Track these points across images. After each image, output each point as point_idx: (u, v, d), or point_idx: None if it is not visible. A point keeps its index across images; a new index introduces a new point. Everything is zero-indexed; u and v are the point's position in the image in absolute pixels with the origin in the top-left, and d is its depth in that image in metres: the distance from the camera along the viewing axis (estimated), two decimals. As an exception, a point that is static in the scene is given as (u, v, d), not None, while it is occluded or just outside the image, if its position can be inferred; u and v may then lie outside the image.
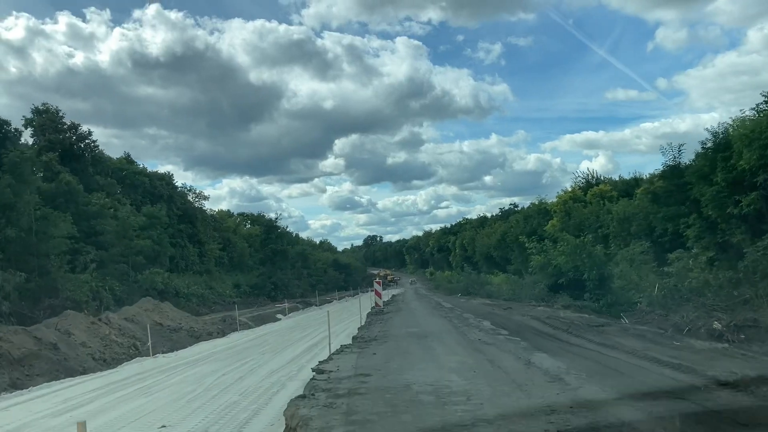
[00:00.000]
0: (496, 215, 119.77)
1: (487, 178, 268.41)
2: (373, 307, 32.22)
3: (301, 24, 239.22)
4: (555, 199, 66.94)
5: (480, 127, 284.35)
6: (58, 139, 43.62)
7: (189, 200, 65.90)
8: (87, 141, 46.27)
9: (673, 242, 36.48)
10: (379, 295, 33.85)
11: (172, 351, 19.67)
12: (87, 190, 43.41)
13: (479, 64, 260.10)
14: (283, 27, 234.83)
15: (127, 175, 51.63)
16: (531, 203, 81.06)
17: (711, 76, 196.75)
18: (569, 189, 63.06)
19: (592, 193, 61.57)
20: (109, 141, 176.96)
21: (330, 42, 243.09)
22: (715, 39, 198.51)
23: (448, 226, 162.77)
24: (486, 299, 38.46)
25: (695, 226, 32.36)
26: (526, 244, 41.88)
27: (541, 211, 68.09)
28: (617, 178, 70.80)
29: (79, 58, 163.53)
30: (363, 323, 22.85)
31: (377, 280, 33.12)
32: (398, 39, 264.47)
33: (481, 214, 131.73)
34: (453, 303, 38.12)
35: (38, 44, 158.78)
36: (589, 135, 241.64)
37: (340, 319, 28.32)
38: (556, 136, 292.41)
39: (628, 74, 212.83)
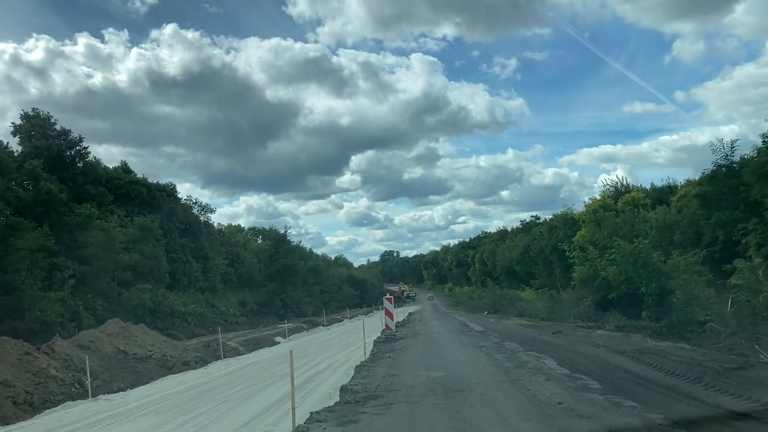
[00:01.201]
0: (516, 228, 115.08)
1: (504, 193, 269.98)
2: (383, 331, 26.46)
3: (316, 42, 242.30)
4: (582, 209, 62.64)
5: (496, 142, 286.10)
6: (45, 146, 40.28)
7: (193, 213, 62.34)
8: (77, 148, 42.87)
9: (726, 251, 32.19)
10: (390, 315, 26.73)
11: (130, 388, 15.76)
12: (76, 200, 39.98)
13: (495, 79, 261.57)
14: (298, 45, 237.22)
15: (122, 185, 48.15)
16: (554, 215, 76.74)
17: (729, 88, 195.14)
18: (598, 198, 58.46)
19: (624, 201, 57.24)
20: (127, 160, 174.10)
21: (345, 59, 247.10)
22: (733, 51, 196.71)
23: (467, 240, 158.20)
24: (519, 319, 33.84)
25: (756, 233, 28.01)
26: (567, 253, 36.74)
27: (568, 221, 63.72)
28: (648, 186, 66.57)
29: (97, 79, 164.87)
30: (366, 356, 17.10)
31: (388, 296, 25.87)
32: (413, 55, 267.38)
33: (501, 227, 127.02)
34: (482, 324, 32.66)
35: (58, 65, 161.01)
36: (606, 149, 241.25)
37: (345, 344, 24.14)
38: (573, 150, 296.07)
39: (645, 87, 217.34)
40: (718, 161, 31.91)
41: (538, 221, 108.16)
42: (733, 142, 31.19)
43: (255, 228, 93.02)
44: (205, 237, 63.40)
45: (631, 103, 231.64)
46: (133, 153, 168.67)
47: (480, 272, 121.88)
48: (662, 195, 60.00)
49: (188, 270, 55.20)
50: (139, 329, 21.38)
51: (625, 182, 64.49)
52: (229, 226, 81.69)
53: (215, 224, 76.27)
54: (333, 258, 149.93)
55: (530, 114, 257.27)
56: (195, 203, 68.04)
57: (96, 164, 46.48)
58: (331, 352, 21.36)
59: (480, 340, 20.40)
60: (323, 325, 46.58)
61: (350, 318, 59.96)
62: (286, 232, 73.76)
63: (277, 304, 64.21)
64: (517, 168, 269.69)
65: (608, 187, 61.96)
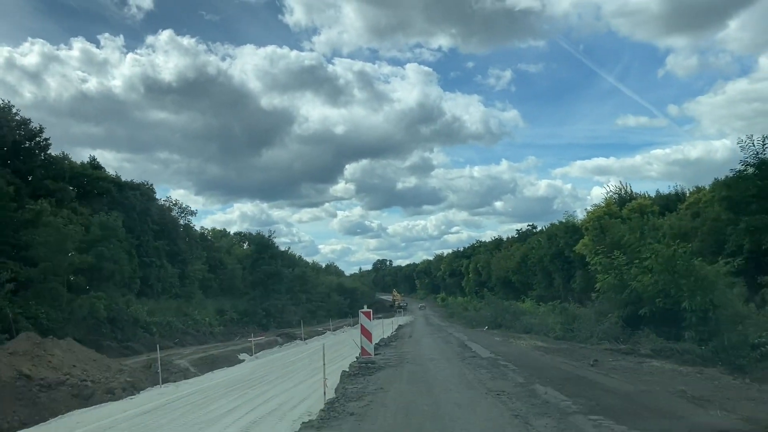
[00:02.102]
0: (512, 237, 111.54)
1: (498, 204, 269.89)
2: (357, 357, 18.82)
3: (312, 50, 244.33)
4: (584, 216, 59.13)
5: (490, 153, 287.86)
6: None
7: (171, 215, 58.41)
8: (37, 140, 38.97)
9: (752, 260, 28.64)
10: (367, 335, 18.59)
11: (19, 427, 12.01)
12: (32, 195, 36.12)
13: (489, 90, 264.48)
14: (294, 53, 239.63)
15: (89, 182, 44.25)
16: (552, 224, 73.14)
17: (722, 103, 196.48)
18: (602, 204, 54.88)
19: (630, 208, 53.73)
20: (121, 165, 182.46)
21: (341, 68, 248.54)
22: (726, 66, 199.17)
23: (460, 249, 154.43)
24: (529, 337, 28.82)
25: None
26: (588, 258, 31.98)
27: (569, 229, 60.25)
28: (652, 194, 62.98)
29: (92, 84, 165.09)
30: (330, 396, 11.78)
31: (365, 309, 18.73)
32: (409, 65, 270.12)
33: (496, 236, 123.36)
34: (487, 345, 25.43)
35: (52, 69, 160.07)
36: (599, 161, 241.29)
37: (314, 369, 18.66)
38: (566, 162, 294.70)
39: (638, 101, 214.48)
40: (747, 160, 28.24)
41: (534, 230, 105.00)
42: (765, 137, 27.48)
43: (242, 233, 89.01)
44: (184, 240, 59.49)
45: (625, 117, 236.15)
46: (127, 158, 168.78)
47: (474, 282, 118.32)
48: (669, 203, 56.56)
49: (163, 275, 51.27)
50: (62, 345, 17.49)
51: (628, 189, 60.91)
52: (214, 230, 77.79)
53: (197, 228, 72.46)
54: (324, 266, 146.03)
55: (524, 126, 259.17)
56: (175, 205, 64.17)
57: (60, 158, 42.62)
58: (293, 381, 17.36)
59: (493, 377, 13.88)
60: (301, 339, 42.47)
61: (333, 330, 55.50)
62: (270, 236, 69.75)
63: (259, 314, 60.24)
64: (511, 179, 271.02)
65: (611, 194, 58.35)
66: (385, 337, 33.37)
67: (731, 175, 34.29)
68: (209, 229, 78.09)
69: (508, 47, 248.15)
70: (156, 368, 18.12)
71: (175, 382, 18.16)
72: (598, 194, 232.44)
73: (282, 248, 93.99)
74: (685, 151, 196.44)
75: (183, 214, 65.15)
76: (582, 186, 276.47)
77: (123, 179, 51.63)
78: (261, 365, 23.92)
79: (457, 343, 27.91)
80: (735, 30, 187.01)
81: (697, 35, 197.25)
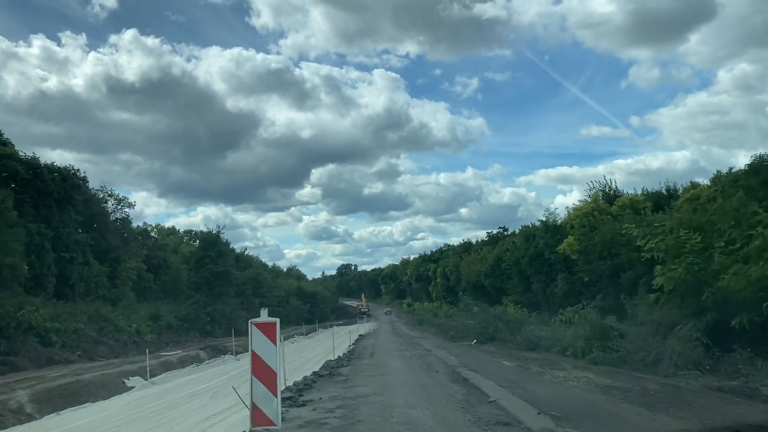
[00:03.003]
0: (482, 241, 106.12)
1: (463, 211, 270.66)
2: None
3: (278, 54, 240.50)
4: (566, 215, 53.69)
5: (456, 160, 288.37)
6: None
7: (101, 206, 51.06)
8: None
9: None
10: (268, 376, 6.92)
11: None
12: None
13: (456, 97, 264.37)
14: (260, 56, 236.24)
15: (-12, 160, 36.93)
16: (527, 225, 67.59)
17: (682, 115, 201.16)
18: (588, 200, 49.42)
19: (620, 204, 48.45)
20: (81, 166, 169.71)
21: (308, 72, 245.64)
22: (687, 79, 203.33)
23: (427, 253, 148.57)
24: (541, 356, 21.89)
25: None
26: (642, 243, 23.28)
27: (549, 229, 54.75)
28: (639, 192, 57.78)
29: (52, 82, 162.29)
30: None
31: (263, 320, 9.39)
32: (376, 71, 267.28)
33: (465, 240, 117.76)
34: (505, 380, 15.60)
35: (11, 67, 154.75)
36: (563, 170, 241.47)
37: (209, 414, 12.98)
38: (531, 170, 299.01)
39: (601, 112, 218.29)
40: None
41: (506, 233, 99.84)
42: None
43: (192, 231, 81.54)
44: (117, 235, 52.20)
45: (588, 127, 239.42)
46: (88, 159, 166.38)
47: (442, 287, 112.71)
48: (660, 200, 51.52)
49: (86, 274, 44.02)
50: None
51: (614, 185, 55.50)
52: (158, 226, 70.28)
53: (141, 224, 65.18)
54: (285, 269, 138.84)
55: (490, 134, 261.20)
56: (110, 195, 56.76)
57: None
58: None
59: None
60: (232, 354, 35.27)
61: (283, 339, 49.07)
62: (218, 232, 62.65)
63: (203, 319, 53.24)
64: (476, 186, 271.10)
65: (596, 190, 52.89)
66: (334, 358, 25.26)
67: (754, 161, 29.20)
68: (153, 225, 70.56)
69: (475, 55, 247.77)
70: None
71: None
72: (561, 202, 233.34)
73: (238, 248, 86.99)
74: (646, 161, 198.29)
75: (119, 207, 57.89)
76: (546, 194, 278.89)
77: (42, 162, 44.23)
78: (147, 400, 17.06)
79: (445, 371, 18.56)
80: (695, 44, 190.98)
81: (659, 48, 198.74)
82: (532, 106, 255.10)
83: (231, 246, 65.56)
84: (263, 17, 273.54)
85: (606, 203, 49.05)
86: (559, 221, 54.57)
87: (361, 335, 47.18)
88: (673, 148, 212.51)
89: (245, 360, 31.66)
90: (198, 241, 65.40)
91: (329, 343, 29.88)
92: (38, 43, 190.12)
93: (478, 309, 43.92)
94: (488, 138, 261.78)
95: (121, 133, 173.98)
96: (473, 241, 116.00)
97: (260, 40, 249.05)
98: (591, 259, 44.31)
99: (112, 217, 56.53)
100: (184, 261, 64.66)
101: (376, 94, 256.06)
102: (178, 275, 60.31)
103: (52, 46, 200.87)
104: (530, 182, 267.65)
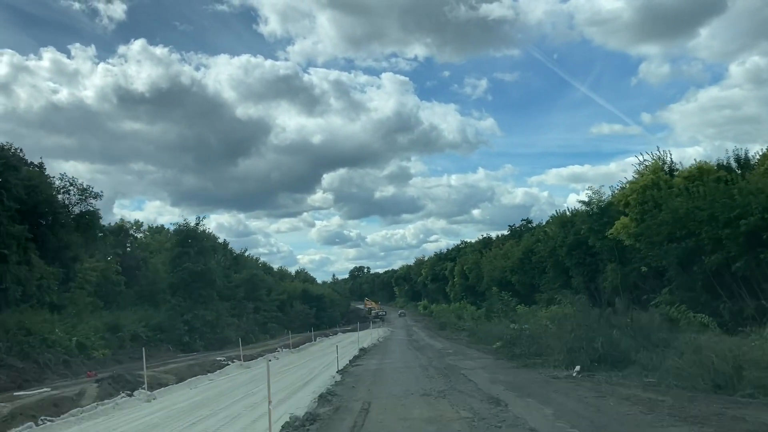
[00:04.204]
0: (503, 236, 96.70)
1: (476, 212, 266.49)
2: None
3: (287, 60, 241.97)
4: (617, 192, 44.23)
5: (467, 162, 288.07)
6: None
7: (51, 194, 42.34)
8: None
9: None
10: None
11: None
12: None
13: (466, 99, 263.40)
14: (269, 62, 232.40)
15: None
16: (558, 214, 57.99)
17: (694, 110, 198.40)
18: (643, 173, 39.96)
19: (684, 176, 39.17)
20: (94, 177, 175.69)
21: (317, 78, 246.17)
22: (698, 74, 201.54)
23: (443, 251, 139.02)
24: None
25: None
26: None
27: (594, 211, 45.43)
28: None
29: (63, 94, 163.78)
30: None
31: None
32: (384, 75, 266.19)
33: (485, 235, 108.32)
34: None
35: (22, 80, 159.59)
36: (575, 169, 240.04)
37: None
38: (542, 170, 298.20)
39: (611, 110, 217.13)
40: None
41: (530, 225, 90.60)
42: None
43: (179, 225, 72.47)
44: (68, 231, 43.48)
45: (599, 125, 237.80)
46: (100, 170, 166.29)
47: (460, 287, 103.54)
48: (728, 171, 42.03)
49: (25, 275, 35.35)
50: None
51: (668, 158, 45.73)
52: (136, 223, 61.49)
53: (118, 220, 56.51)
54: (294, 272, 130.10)
55: (501, 134, 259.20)
56: (72, 184, 48.04)
57: None
58: None
59: None
60: (207, 372, 26.35)
61: (242, 364, 37.05)
62: (198, 224, 53.55)
63: (180, 329, 44.38)
64: (488, 187, 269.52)
65: (651, 162, 43.07)
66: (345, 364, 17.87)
67: None
68: (132, 221, 61.84)
69: (484, 56, 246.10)
70: None
71: None
72: (574, 200, 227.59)
73: (237, 249, 78.17)
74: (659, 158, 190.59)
75: (83, 197, 49.14)
76: (558, 193, 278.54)
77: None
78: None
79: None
80: (705, 38, 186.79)
81: (669, 43, 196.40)
82: (542, 105, 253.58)
83: (221, 240, 56.19)
84: (270, 24, 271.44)
85: (668, 176, 39.79)
86: (605, 201, 45.23)
87: (363, 349, 37.16)
88: (686, 144, 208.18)
89: (220, 381, 22.95)
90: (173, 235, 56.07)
91: (312, 365, 21.25)
92: (48, 55, 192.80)
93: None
94: (499, 138, 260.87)
95: (132, 143, 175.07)
96: (494, 235, 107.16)
97: (268, 47, 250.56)
98: (657, 242, 35.14)
99: (77, 210, 48.06)
100: (167, 261, 55.80)
101: (385, 97, 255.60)
102: (155, 277, 51.64)
103: (62, 58, 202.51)
104: (542, 182, 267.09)
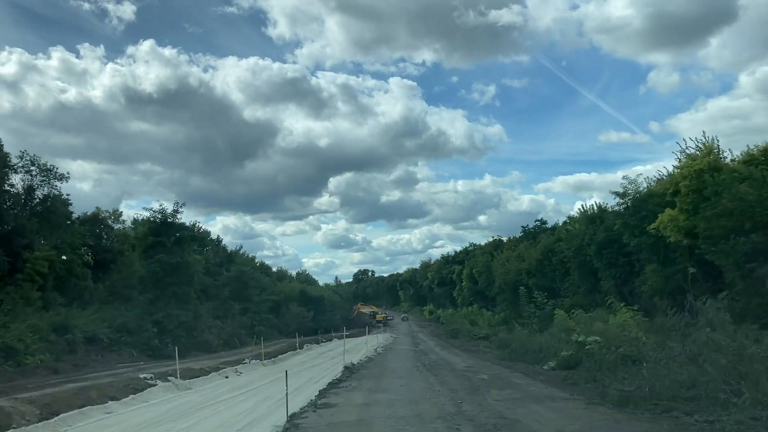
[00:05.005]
0: (515, 237, 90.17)
1: (482, 218, 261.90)
2: None
3: (295, 63, 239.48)
4: (664, 179, 37.84)
5: (474, 168, 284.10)
6: None
7: (6, 172, 36.41)
8: None
9: None
10: None
11: None
12: None
13: (474, 105, 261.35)
14: (277, 65, 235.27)
15: None
16: (582, 210, 51.46)
17: (703, 120, 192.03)
18: (695, 156, 33.48)
19: (745, 159, 33.03)
20: (101, 177, 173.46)
21: (324, 81, 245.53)
22: (708, 83, 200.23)
23: (451, 254, 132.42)
24: None
25: None
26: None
27: (633, 204, 38.90)
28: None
29: (71, 94, 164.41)
30: None
31: None
32: (392, 79, 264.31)
33: (495, 237, 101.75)
34: None
35: (31, 79, 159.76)
36: (582, 177, 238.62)
37: None
38: (549, 177, 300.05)
39: (618, 118, 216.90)
40: None
41: (544, 225, 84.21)
42: None
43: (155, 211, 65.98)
44: (28, 215, 37.67)
45: (607, 132, 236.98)
46: (108, 170, 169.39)
47: (469, 291, 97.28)
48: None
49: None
50: None
51: (715, 143, 39.12)
52: (115, 213, 55.26)
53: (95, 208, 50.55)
54: (295, 274, 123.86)
55: (508, 140, 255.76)
56: (33, 163, 42.05)
57: None
58: None
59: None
60: (110, 401, 19.54)
61: (249, 360, 31.16)
62: (176, 211, 45.80)
63: (148, 331, 38.22)
64: (495, 194, 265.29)
65: (700, 145, 36.58)
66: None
67: None
68: (110, 210, 55.67)
69: (492, 62, 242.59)
70: None
71: None
72: (580, 209, 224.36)
73: (231, 246, 72.16)
74: (666, 167, 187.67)
75: (46, 179, 43.28)
76: (565, 201, 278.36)
77: None
78: None
79: None
80: (716, 48, 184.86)
81: (679, 52, 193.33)
82: (551, 112, 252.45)
83: (201, 228, 49.62)
84: (279, 27, 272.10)
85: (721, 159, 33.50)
86: (644, 191, 38.86)
87: (349, 367, 26.82)
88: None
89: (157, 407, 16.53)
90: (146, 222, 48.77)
91: (252, 402, 15.09)
92: (57, 55, 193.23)
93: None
94: (506, 145, 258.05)
95: (140, 144, 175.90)
96: (504, 238, 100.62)
97: (276, 50, 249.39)
98: (717, 237, 28.90)
99: (40, 193, 42.24)
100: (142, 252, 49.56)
101: (392, 102, 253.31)
102: (128, 272, 45.64)
103: (70, 58, 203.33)
104: (549, 189, 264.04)
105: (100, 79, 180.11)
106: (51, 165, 44.29)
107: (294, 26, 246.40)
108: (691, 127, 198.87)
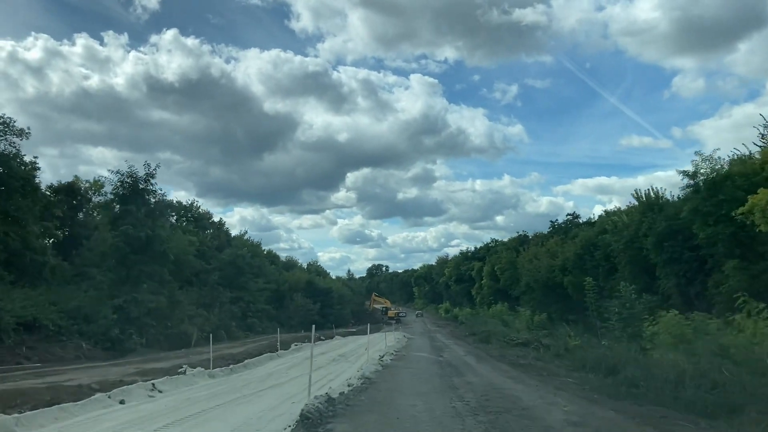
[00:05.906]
0: (542, 234, 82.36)
1: (499, 218, 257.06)
2: None
3: (316, 57, 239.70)
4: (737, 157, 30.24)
5: (493, 167, 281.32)
6: None
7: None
8: None
9: None
10: None
11: None
12: None
13: (495, 104, 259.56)
14: (299, 58, 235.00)
15: None
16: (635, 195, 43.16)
17: (727, 126, 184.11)
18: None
19: None
20: (121, 164, 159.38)
21: (345, 76, 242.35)
22: (733, 90, 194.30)
23: (470, 250, 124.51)
24: None
25: None
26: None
27: (707, 187, 31.20)
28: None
29: (94, 81, 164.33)
30: None
31: None
32: (413, 76, 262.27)
33: (521, 232, 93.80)
34: None
35: (55, 65, 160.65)
36: (601, 180, 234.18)
37: None
38: (568, 180, 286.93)
39: (640, 122, 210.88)
40: None
41: (577, 219, 76.56)
42: None
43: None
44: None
45: (629, 137, 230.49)
46: (128, 157, 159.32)
47: (489, 289, 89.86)
48: None
49: None
50: None
51: None
52: (96, 183, 48.45)
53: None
54: (305, 265, 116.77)
55: (528, 141, 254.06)
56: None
57: None
58: None
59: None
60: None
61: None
62: (149, 175, 37.74)
63: (107, 318, 31.26)
64: (513, 194, 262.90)
65: None
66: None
67: None
68: (90, 180, 48.94)
69: (515, 61, 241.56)
70: None
71: None
72: (599, 212, 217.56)
73: (239, 235, 65.39)
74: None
75: (1, 134, 36.75)
76: (584, 204, 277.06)
77: None
78: None
79: None
80: (744, 54, 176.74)
81: (706, 57, 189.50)
82: (572, 113, 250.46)
83: (164, 197, 41.14)
84: (302, 20, 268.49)
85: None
86: (724, 170, 31.15)
87: (331, 400, 12.97)
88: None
89: None
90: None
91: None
92: (81, 42, 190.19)
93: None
94: (526, 146, 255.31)
95: (160, 132, 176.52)
96: (529, 234, 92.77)
97: (298, 43, 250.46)
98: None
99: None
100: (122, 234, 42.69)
101: (413, 98, 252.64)
102: (100, 247, 38.94)
103: (94, 45, 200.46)
104: (568, 191, 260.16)
105: (122, 66, 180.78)
106: (8, 118, 37.83)
107: (317, 20, 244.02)
108: (715, 133, 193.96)
